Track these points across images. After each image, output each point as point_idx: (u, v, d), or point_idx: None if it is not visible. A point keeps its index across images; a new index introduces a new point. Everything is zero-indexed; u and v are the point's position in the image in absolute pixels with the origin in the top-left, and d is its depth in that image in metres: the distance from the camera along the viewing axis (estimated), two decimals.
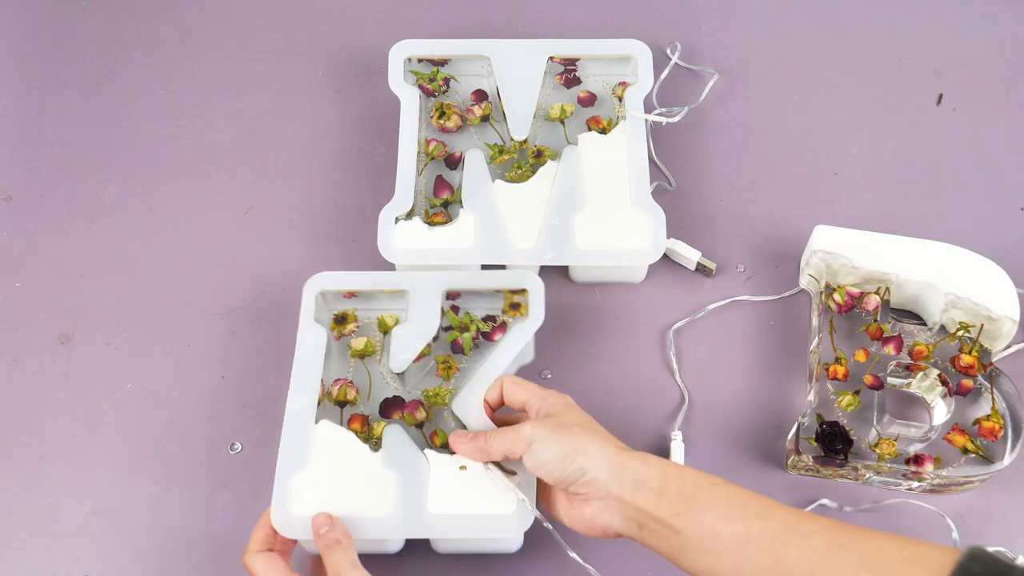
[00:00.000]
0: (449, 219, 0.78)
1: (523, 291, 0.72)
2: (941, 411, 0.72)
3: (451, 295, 0.74)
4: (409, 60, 0.84)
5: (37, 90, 0.90)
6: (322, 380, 0.69)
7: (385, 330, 0.73)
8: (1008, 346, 0.75)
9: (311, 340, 0.70)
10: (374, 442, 0.68)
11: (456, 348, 0.73)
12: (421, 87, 0.83)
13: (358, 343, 0.72)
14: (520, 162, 0.81)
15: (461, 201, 0.78)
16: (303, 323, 0.71)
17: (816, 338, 0.74)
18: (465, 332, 0.73)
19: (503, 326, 0.73)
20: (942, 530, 0.70)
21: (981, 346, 0.73)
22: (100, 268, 0.81)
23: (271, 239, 0.82)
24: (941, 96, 0.89)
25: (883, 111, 0.88)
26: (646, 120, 0.81)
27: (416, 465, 0.65)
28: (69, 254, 0.81)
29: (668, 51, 0.90)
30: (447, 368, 0.72)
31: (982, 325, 0.72)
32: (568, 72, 0.85)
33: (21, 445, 0.74)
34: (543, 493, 0.64)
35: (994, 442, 0.69)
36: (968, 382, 0.72)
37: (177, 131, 0.87)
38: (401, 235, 0.76)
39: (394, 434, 0.67)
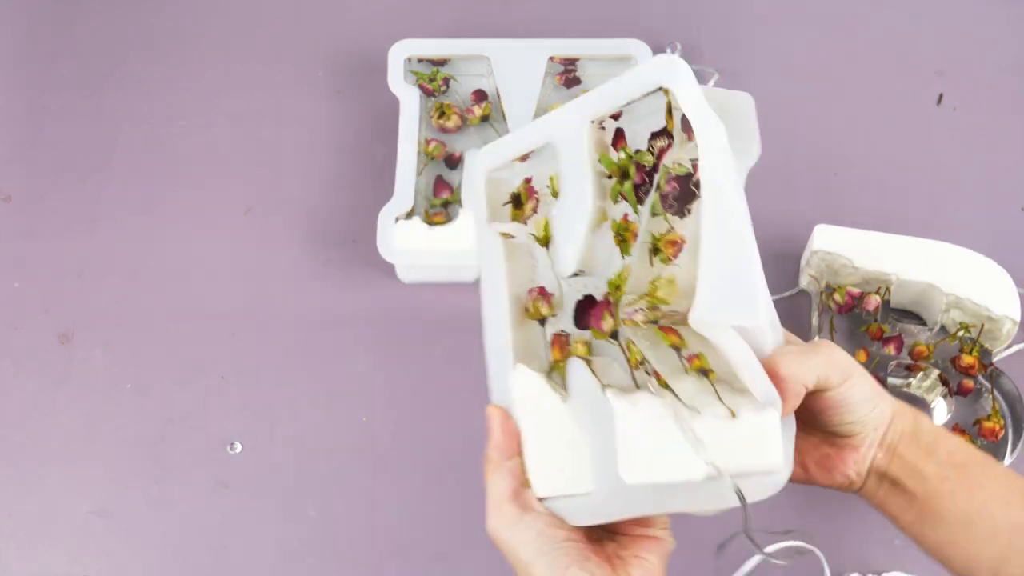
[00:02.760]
0: (449, 219, 0.78)
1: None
2: (942, 411, 0.72)
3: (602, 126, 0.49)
4: (409, 60, 0.84)
5: (37, 90, 0.90)
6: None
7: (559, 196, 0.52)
8: (1008, 346, 0.75)
9: (488, 251, 0.51)
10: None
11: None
12: (421, 87, 0.83)
13: (539, 225, 0.51)
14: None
15: (461, 201, 0.78)
16: (479, 227, 0.51)
17: (816, 338, 0.74)
18: (626, 179, 0.49)
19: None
20: None
21: (981, 346, 0.73)
22: (100, 268, 0.81)
23: (271, 239, 0.82)
24: (941, 96, 0.89)
25: (883, 111, 0.88)
26: None
27: (602, 414, 0.47)
28: (69, 254, 0.81)
29: (668, 51, 0.90)
30: (625, 234, 0.49)
31: (982, 325, 0.72)
32: (568, 72, 0.85)
33: (21, 445, 0.74)
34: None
35: (995, 442, 0.69)
36: (969, 382, 0.72)
37: (177, 131, 0.87)
38: (401, 235, 0.76)
39: (576, 373, 0.48)
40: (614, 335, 0.50)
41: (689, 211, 0.46)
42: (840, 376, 0.48)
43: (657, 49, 0.87)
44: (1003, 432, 0.69)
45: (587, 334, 0.51)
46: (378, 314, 0.79)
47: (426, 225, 0.76)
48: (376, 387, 0.76)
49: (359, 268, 0.80)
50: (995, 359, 0.73)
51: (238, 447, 0.74)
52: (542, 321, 0.52)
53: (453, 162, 0.82)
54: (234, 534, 0.71)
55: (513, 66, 0.84)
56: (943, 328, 0.74)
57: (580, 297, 0.51)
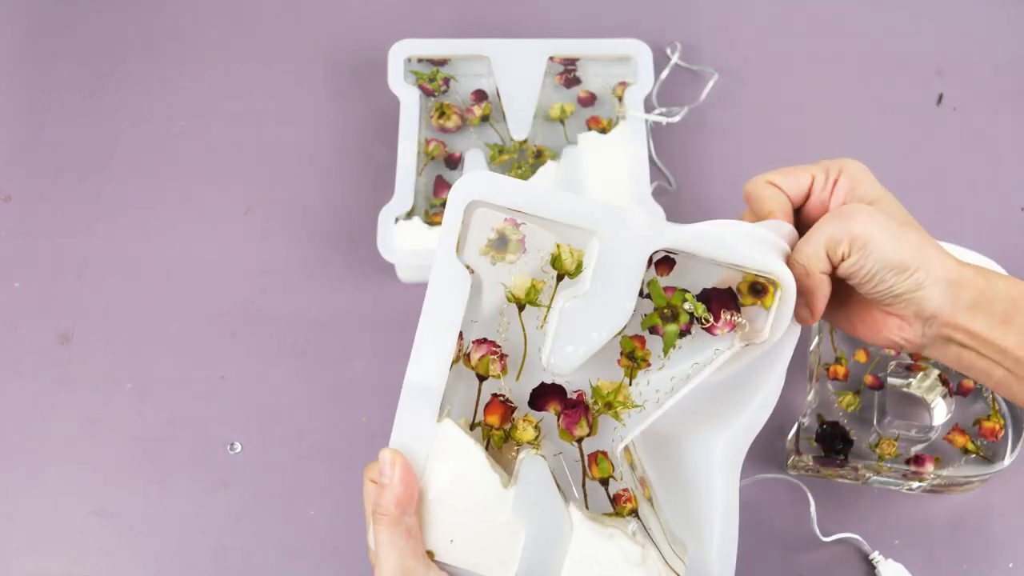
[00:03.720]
0: None
1: (773, 284, 0.48)
2: (941, 411, 0.72)
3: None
4: (409, 60, 0.84)
5: (37, 90, 0.90)
6: (460, 333, 0.49)
7: (562, 270, 0.49)
8: None
9: (449, 284, 0.48)
10: (509, 458, 0.50)
11: (654, 332, 0.50)
12: (421, 87, 0.83)
13: (519, 285, 0.49)
14: (520, 162, 0.81)
15: None
16: (442, 254, 0.48)
17: (816, 338, 0.74)
18: (671, 322, 0.49)
19: (731, 322, 0.49)
20: (944, 528, 0.70)
21: None
22: (100, 268, 0.81)
23: (271, 239, 0.82)
24: (941, 96, 0.89)
25: (883, 111, 0.88)
26: (646, 120, 0.81)
27: (554, 521, 0.48)
28: (69, 254, 0.81)
29: (668, 51, 0.90)
30: (633, 362, 0.50)
31: None
32: (568, 72, 0.85)
33: (21, 445, 0.74)
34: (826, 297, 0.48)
35: (994, 442, 0.69)
36: (969, 382, 0.72)
37: (177, 131, 0.87)
38: (401, 235, 0.76)
39: (534, 470, 0.49)
40: (579, 440, 0.49)
41: (675, 346, 0.49)
42: (850, 246, 0.44)
43: (657, 49, 0.87)
44: (1003, 432, 0.69)
45: (537, 414, 0.50)
46: (378, 314, 0.79)
47: (426, 225, 0.76)
48: (376, 387, 0.76)
49: (359, 268, 0.80)
50: None
51: (238, 447, 0.74)
52: (482, 377, 0.50)
53: (453, 162, 0.82)
54: (234, 534, 0.71)
55: (513, 66, 0.84)
56: None
57: (549, 381, 0.50)
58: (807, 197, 0.50)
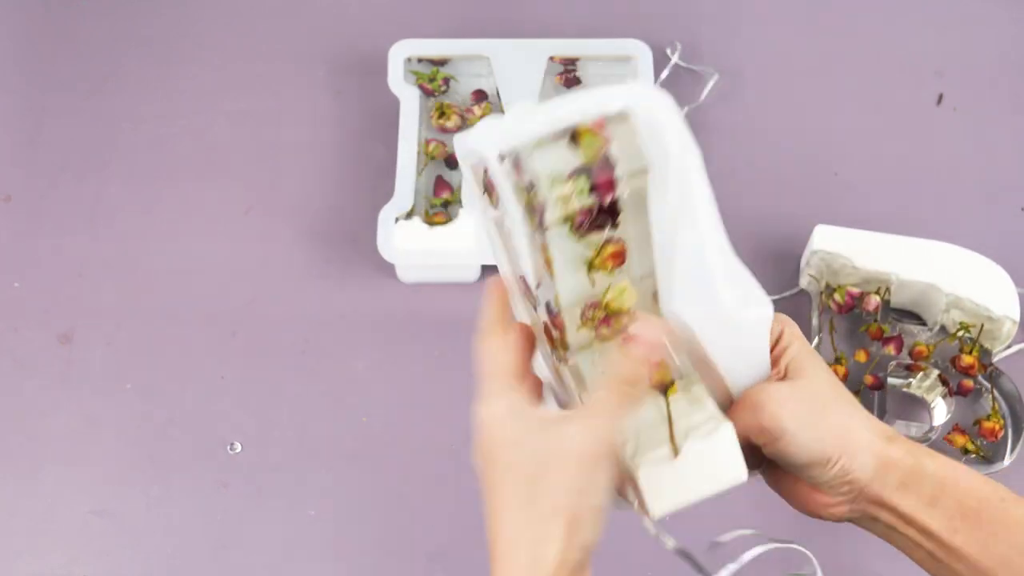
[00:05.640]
0: (449, 219, 0.78)
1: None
2: (941, 411, 0.72)
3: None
4: (409, 60, 0.84)
5: (37, 90, 0.90)
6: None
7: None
8: (1008, 346, 0.75)
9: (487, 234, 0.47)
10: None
11: (600, 211, 0.43)
12: (421, 87, 0.83)
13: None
14: None
15: (461, 201, 0.78)
16: (477, 209, 0.49)
17: (816, 338, 0.74)
18: (594, 230, 0.44)
19: (609, 180, 0.43)
20: None
21: (981, 346, 0.73)
22: (100, 268, 0.81)
23: (271, 239, 0.82)
24: (941, 96, 0.89)
25: (883, 111, 0.88)
26: None
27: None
28: (69, 254, 0.81)
29: (668, 51, 0.90)
30: (608, 258, 0.45)
31: (982, 325, 0.72)
32: (568, 72, 0.85)
33: (21, 445, 0.74)
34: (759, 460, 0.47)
35: (994, 442, 0.69)
36: (968, 382, 0.72)
37: (177, 131, 0.87)
38: (401, 235, 0.76)
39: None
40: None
41: (617, 223, 0.44)
42: (765, 436, 0.44)
43: (657, 49, 0.87)
44: (1003, 432, 0.69)
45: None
46: (378, 314, 0.79)
47: (426, 225, 0.76)
48: (376, 387, 0.76)
49: (359, 268, 0.80)
50: (995, 359, 0.73)
51: (238, 447, 0.74)
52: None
53: (453, 162, 0.82)
54: (234, 534, 0.71)
55: (513, 66, 0.84)
56: (943, 328, 0.74)
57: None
58: None
